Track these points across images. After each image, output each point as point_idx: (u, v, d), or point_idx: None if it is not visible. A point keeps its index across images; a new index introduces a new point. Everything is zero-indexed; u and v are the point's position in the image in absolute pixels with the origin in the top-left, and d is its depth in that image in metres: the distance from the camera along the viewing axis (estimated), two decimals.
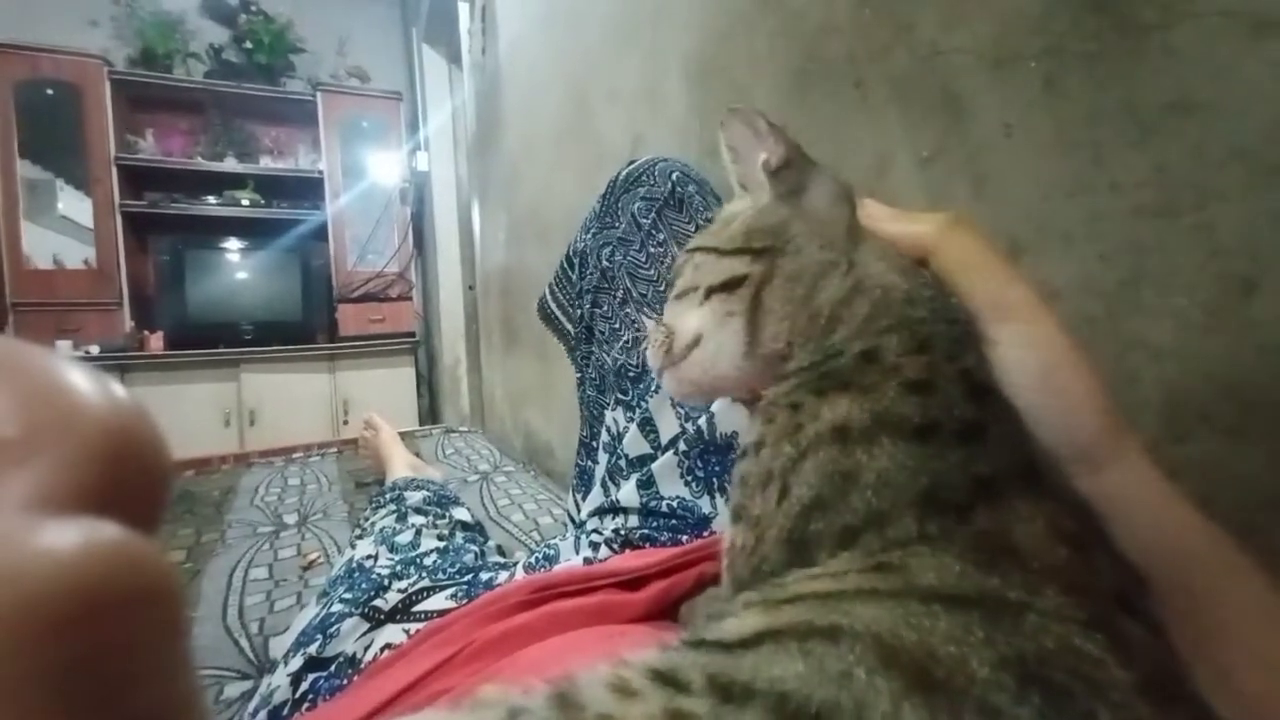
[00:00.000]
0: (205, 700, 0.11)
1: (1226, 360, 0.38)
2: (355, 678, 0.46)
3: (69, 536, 0.08)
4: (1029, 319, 0.25)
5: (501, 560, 0.69)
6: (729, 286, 0.28)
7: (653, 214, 0.67)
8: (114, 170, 2.62)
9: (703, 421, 0.58)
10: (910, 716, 0.15)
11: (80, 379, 0.10)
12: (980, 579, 0.19)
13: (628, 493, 0.58)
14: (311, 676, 0.48)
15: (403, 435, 1.60)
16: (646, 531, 0.56)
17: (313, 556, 1.11)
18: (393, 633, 0.50)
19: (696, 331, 0.28)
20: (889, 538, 0.21)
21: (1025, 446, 0.23)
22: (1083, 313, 0.44)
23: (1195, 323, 0.39)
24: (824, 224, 0.28)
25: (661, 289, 0.64)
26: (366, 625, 0.51)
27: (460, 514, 0.88)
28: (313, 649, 0.50)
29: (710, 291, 0.28)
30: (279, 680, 0.50)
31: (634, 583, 0.46)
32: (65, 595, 0.08)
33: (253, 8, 2.98)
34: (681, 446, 0.57)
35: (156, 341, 2.67)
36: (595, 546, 0.55)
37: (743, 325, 0.27)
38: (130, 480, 0.10)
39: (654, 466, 0.58)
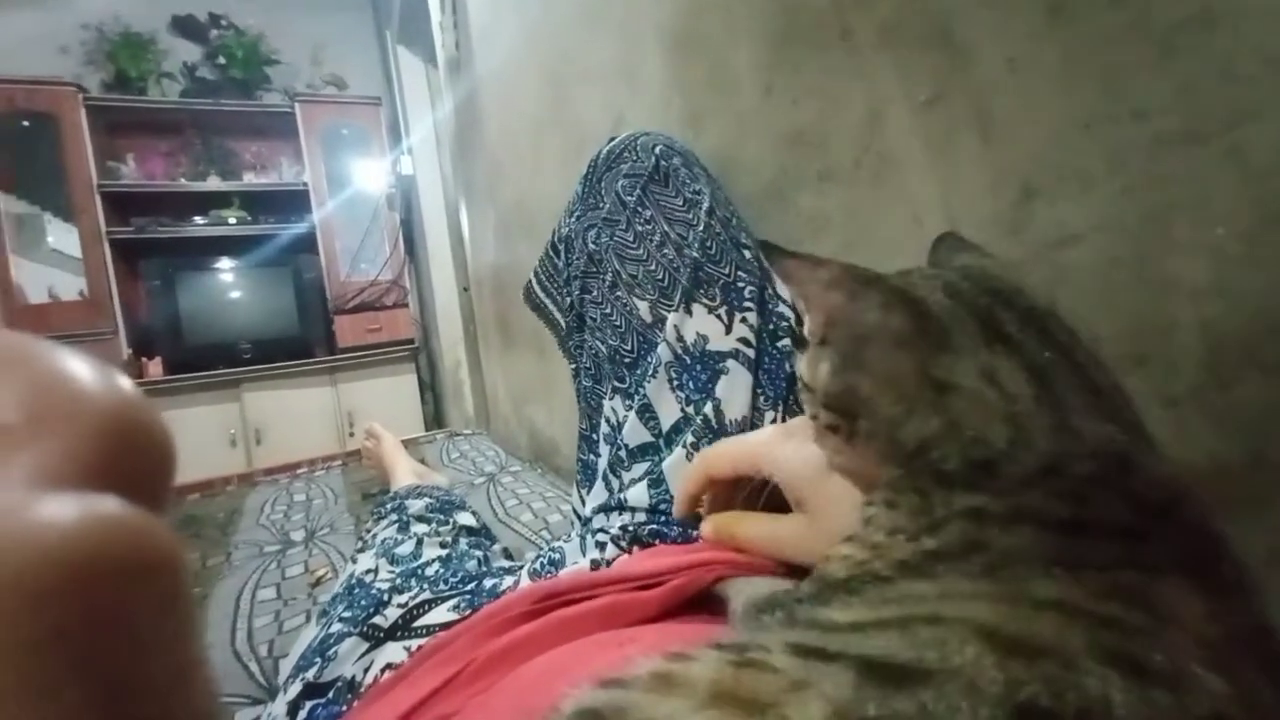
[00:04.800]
0: (213, 674, 0.11)
1: (1271, 293, 0.35)
2: (355, 703, 0.44)
3: (69, 509, 0.09)
4: None
5: (506, 565, 0.67)
6: (831, 428, 0.30)
7: (637, 190, 0.64)
8: (97, 198, 2.59)
9: (709, 409, 0.54)
10: (988, 663, 0.15)
11: (81, 367, 0.11)
12: (1102, 604, 0.18)
13: (637, 494, 0.55)
14: (309, 704, 0.45)
15: (406, 443, 1.57)
16: (655, 527, 0.53)
17: (321, 572, 1.09)
18: (393, 651, 0.48)
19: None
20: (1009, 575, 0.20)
21: (1207, 550, 0.21)
22: (1107, 255, 0.41)
23: (1234, 255, 0.36)
24: (890, 379, 0.26)
25: (651, 268, 0.60)
26: (366, 645, 0.49)
27: (464, 519, 0.85)
28: (310, 674, 0.48)
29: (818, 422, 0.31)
30: (278, 709, 0.47)
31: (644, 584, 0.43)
32: (65, 564, 0.08)
33: (223, 23, 2.94)
34: (689, 439, 0.54)
35: (155, 368, 2.65)
36: (602, 546, 0.52)
37: (847, 456, 0.30)
38: (131, 460, 0.10)
39: (664, 465, 0.54)
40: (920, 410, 0.25)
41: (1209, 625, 0.17)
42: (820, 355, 0.29)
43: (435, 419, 3.23)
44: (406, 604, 0.52)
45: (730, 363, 0.55)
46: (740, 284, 0.58)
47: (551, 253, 0.75)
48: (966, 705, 0.14)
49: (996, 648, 0.16)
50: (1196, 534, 0.21)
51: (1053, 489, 0.22)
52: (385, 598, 0.54)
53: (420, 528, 0.77)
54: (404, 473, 1.23)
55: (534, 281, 0.79)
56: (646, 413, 0.58)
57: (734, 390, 0.54)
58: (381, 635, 0.49)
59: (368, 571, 0.63)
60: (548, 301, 0.78)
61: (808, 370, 0.30)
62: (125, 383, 0.11)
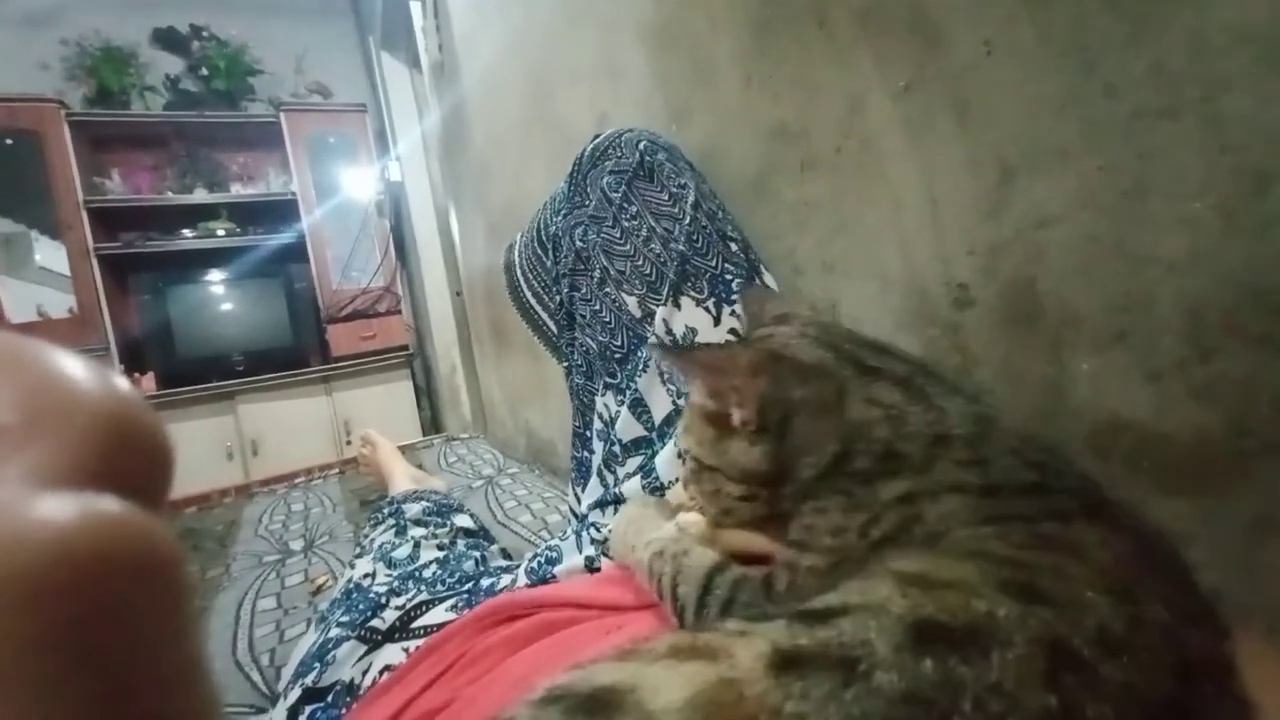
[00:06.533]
0: (212, 671, 0.10)
1: (1249, 264, 0.35)
2: (353, 705, 0.44)
3: (67, 507, 0.09)
4: None
5: (504, 564, 0.67)
6: (744, 498, 0.33)
7: (623, 187, 0.64)
8: (84, 214, 2.56)
9: None
10: (896, 594, 0.19)
11: (78, 367, 0.11)
12: (1019, 551, 0.20)
13: (633, 487, 0.55)
14: (309, 708, 0.45)
15: (404, 449, 1.57)
16: None
17: (321, 580, 1.08)
18: (392, 653, 0.48)
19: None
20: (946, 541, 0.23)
21: (1096, 494, 0.25)
22: (1086, 232, 0.41)
23: (1211, 228, 0.36)
24: (815, 443, 0.30)
25: (639, 263, 0.61)
26: (364, 648, 0.49)
27: (462, 521, 0.85)
28: (310, 679, 0.48)
29: (729, 496, 0.34)
30: (278, 715, 0.47)
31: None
32: (64, 562, 0.08)
33: (205, 34, 2.91)
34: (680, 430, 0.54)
35: (148, 383, 2.63)
36: (596, 543, 0.52)
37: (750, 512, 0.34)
38: (129, 459, 0.10)
39: (656, 460, 0.55)
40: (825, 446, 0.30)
41: (1105, 553, 0.20)
42: (757, 441, 0.31)
43: (432, 424, 3.22)
44: (404, 606, 0.52)
45: None
46: (728, 276, 0.58)
47: (539, 250, 0.75)
48: (874, 624, 0.17)
49: (907, 585, 0.19)
50: (1080, 480, 0.25)
51: (955, 458, 0.26)
52: (383, 600, 0.54)
53: (418, 531, 0.77)
54: (401, 478, 1.22)
55: (522, 282, 0.79)
56: (638, 407, 0.58)
57: None
58: (379, 638, 0.49)
59: (365, 576, 0.63)
60: (536, 305, 0.78)
61: (734, 458, 0.32)
62: (122, 382, 0.11)
